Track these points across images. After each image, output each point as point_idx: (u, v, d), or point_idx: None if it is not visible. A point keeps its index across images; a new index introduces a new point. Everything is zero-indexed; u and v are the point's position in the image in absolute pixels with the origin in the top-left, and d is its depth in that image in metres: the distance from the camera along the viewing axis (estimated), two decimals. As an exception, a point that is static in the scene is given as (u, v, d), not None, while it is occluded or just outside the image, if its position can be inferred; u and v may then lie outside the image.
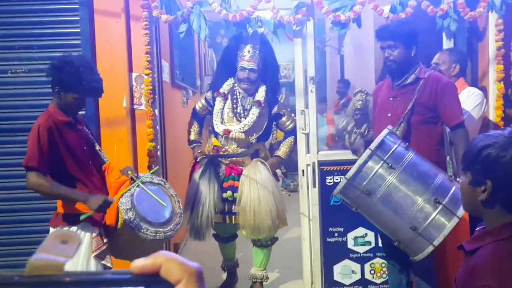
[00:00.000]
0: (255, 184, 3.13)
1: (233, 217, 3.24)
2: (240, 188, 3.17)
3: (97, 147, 2.58)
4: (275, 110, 3.34)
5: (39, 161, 2.25)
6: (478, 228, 1.34)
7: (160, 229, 2.46)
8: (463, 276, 1.27)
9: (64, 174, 2.33)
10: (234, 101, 3.30)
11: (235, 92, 3.31)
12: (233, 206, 3.22)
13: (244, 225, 3.17)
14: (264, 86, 3.32)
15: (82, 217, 2.30)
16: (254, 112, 3.26)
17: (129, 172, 2.52)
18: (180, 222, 2.59)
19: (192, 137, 3.45)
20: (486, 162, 1.23)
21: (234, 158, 3.28)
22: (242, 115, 3.28)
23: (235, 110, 3.29)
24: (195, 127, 3.46)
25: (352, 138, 4.57)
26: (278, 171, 3.57)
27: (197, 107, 3.46)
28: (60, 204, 2.39)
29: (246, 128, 3.24)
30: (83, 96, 2.40)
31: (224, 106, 3.30)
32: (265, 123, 3.33)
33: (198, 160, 3.30)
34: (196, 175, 3.22)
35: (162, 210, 2.53)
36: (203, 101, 3.43)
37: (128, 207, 2.37)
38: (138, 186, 2.47)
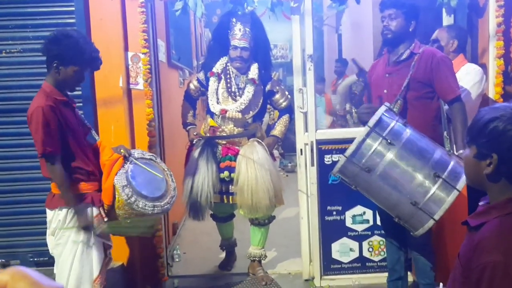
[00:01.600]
0: (252, 163, 3.13)
1: (231, 197, 3.25)
2: (237, 168, 3.18)
3: (88, 125, 2.57)
4: (268, 87, 3.34)
5: (54, 144, 2.25)
6: (482, 203, 1.32)
7: (157, 203, 2.50)
8: (467, 251, 1.25)
9: (66, 153, 2.33)
10: (228, 80, 3.29)
11: (228, 71, 3.29)
12: (230, 186, 3.23)
13: (241, 204, 3.18)
14: (256, 63, 3.32)
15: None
16: (249, 90, 3.26)
17: (122, 150, 2.53)
18: (175, 195, 2.64)
19: (187, 119, 3.42)
20: (492, 135, 1.20)
21: (231, 139, 3.27)
22: (237, 93, 3.27)
23: (229, 90, 3.28)
24: (189, 109, 3.43)
25: (354, 117, 4.57)
26: (275, 151, 3.57)
27: (189, 89, 3.42)
28: (55, 185, 2.38)
29: (243, 107, 3.23)
30: (84, 68, 2.39)
31: (218, 86, 3.28)
32: (260, 101, 3.32)
33: (194, 142, 3.28)
34: (194, 156, 3.21)
35: (157, 184, 2.56)
36: (195, 83, 3.40)
37: (124, 183, 2.39)
38: (131, 162, 2.49)
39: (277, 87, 3.38)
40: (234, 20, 3.22)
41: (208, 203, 3.17)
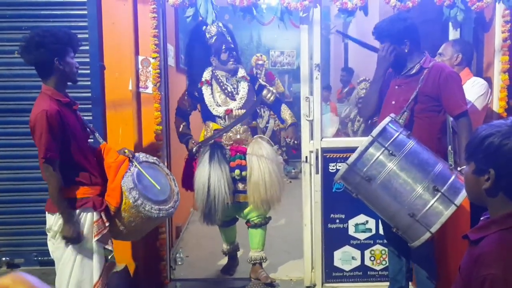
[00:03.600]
0: (263, 159, 3.23)
1: (241, 195, 3.29)
2: (249, 166, 3.24)
3: (91, 128, 2.59)
4: (258, 83, 3.51)
5: (56, 149, 2.25)
6: (483, 218, 1.35)
7: (162, 207, 2.52)
8: (467, 265, 1.28)
9: (68, 156, 2.32)
10: (221, 84, 3.39)
11: (217, 77, 3.40)
12: (239, 184, 3.29)
13: (255, 200, 3.22)
14: (241, 65, 3.51)
15: None
16: (244, 86, 3.40)
17: (126, 151, 2.55)
18: (178, 199, 2.66)
19: (182, 131, 3.43)
20: (489, 151, 1.23)
21: (238, 137, 3.35)
22: (234, 92, 3.39)
23: (225, 91, 3.38)
24: (182, 123, 3.46)
25: (355, 126, 4.59)
26: (279, 157, 3.63)
27: (182, 105, 3.45)
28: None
29: (243, 102, 3.35)
30: (75, 51, 2.41)
31: (212, 91, 3.37)
32: (254, 98, 3.44)
33: (194, 150, 3.30)
34: (204, 161, 3.24)
35: (161, 188, 2.58)
36: (186, 98, 3.44)
37: (131, 186, 2.41)
38: (135, 166, 2.52)
39: (263, 82, 3.59)
40: (211, 28, 3.34)
41: (225, 204, 3.21)
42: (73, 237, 2.31)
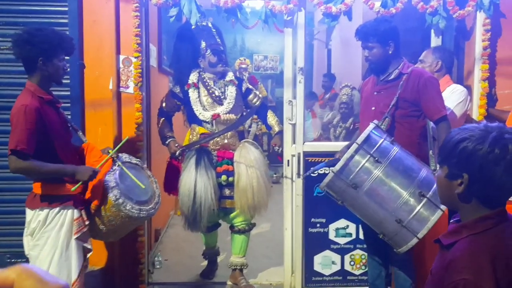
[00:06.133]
0: (251, 164, 3.19)
1: (227, 201, 3.24)
2: (236, 171, 3.19)
3: (74, 126, 2.55)
4: (244, 86, 3.46)
5: (28, 143, 2.19)
6: (452, 221, 1.35)
7: (143, 207, 2.50)
8: (439, 269, 1.28)
9: (50, 154, 2.28)
10: (208, 87, 3.32)
11: (204, 80, 3.34)
12: (226, 189, 3.24)
13: (242, 205, 3.18)
14: (229, 68, 3.47)
15: (73, 189, 2.31)
16: (232, 90, 3.34)
17: (110, 151, 2.52)
18: (159, 201, 2.65)
19: (165, 133, 3.35)
20: (463, 155, 1.22)
21: (226, 141, 3.29)
22: (222, 96, 3.32)
23: (212, 95, 3.32)
24: (165, 125, 3.39)
25: (338, 131, 4.61)
26: (267, 161, 3.61)
27: (164, 106, 3.38)
28: (37, 185, 2.34)
29: (231, 107, 3.29)
30: (67, 55, 2.40)
31: (199, 94, 3.30)
32: (241, 102, 3.40)
33: (178, 154, 3.22)
34: (190, 166, 3.18)
35: (143, 189, 2.56)
36: (170, 99, 3.37)
37: (113, 185, 2.39)
38: (119, 165, 2.49)
39: (250, 86, 3.53)
40: (197, 34, 3.30)
41: (211, 211, 3.15)
42: (91, 175, 2.31)
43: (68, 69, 2.51)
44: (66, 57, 2.46)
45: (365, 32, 2.66)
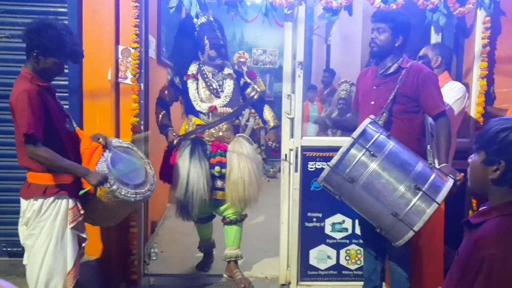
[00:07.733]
0: (243, 158, 3.24)
1: (219, 192, 3.28)
2: (229, 163, 3.24)
3: (66, 113, 2.53)
4: (243, 80, 3.50)
5: (37, 127, 2.18)
6: (482, 208, 1.44)
7: (139, 190, 2.51)
8: (466, 248, 1.38)
9: (48, 140, 2.26)
10: (206, 80, 3.37)
11: (204, 72, 3.37)
12: (218, 181, 3.28)
13: (232, 197, 3.22)
14: (228, 62, 3.50)
15: (81, 193, 2.33)
16: (229, 84, 3.38)
17: (100, 138, 2.52)
18: (154, 182, 2.65)
19: (163, 122, 3.41)
20: (503, 144, 1.33)
21: (220, 134, 3.33)
22: (219, 89, 3.36)
23: (210, 88, 3.36)
24: (164, 114, 3.43)
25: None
26: (259, 156, 3.63)
27: (163, 95, 3.43)
28: (31, 175, 2.32)
29: (228, 100, 3.33)
30: (64, 61, 2.36)
31: (197, 86, 3.35)
32: (239, 96, 3.44)
33: (175, 142, 3.28)
34: (185, 155, 3.23)
35: (136, 172, 2.57)
36: (169, 88, 3.42)
37: (106, 172, 2.38)
38: (110, 150, 2.50)
39: (249, 80, 3.56)
40: (203, 21, 3.31)
41: (203, 200, 3.19)
42: (101, 181, 2.32)
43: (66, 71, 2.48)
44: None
45: (385, 14, 2.67)
